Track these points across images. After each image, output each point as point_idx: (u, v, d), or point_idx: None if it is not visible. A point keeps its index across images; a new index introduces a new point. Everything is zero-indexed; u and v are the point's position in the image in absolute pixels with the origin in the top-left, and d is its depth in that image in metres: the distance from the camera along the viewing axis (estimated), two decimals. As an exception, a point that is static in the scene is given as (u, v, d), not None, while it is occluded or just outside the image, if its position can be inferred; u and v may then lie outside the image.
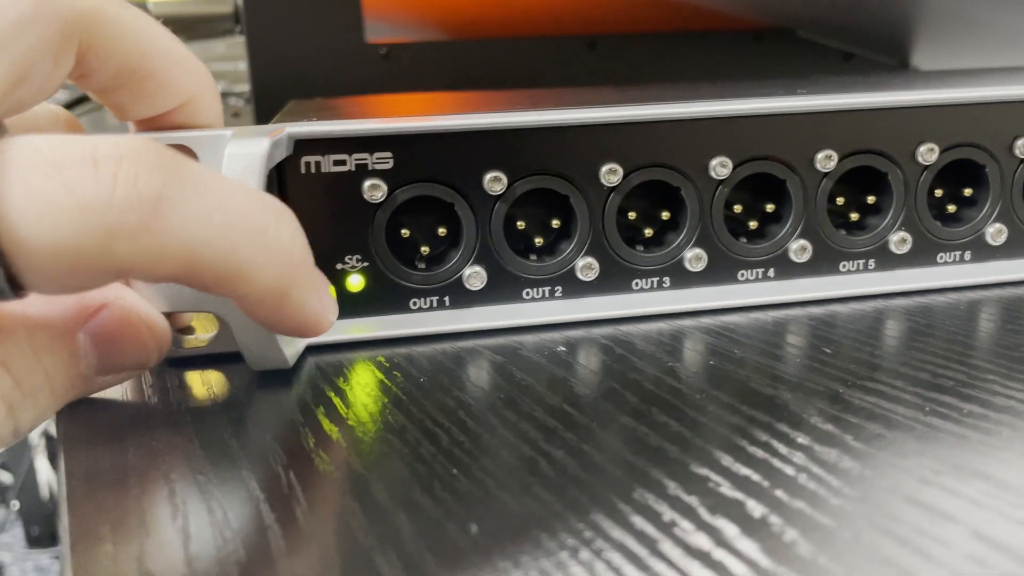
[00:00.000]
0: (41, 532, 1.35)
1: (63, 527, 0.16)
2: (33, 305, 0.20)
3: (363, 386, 0.23)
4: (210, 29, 0.65)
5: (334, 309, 0.22)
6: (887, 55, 0.76)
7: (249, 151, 0.22)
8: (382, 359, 0.25)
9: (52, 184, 0.15)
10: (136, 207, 0.16)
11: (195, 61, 0.23)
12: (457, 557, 0.15)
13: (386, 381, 0.23)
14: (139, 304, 0.22)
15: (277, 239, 0.19)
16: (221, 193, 0.18)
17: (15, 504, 1.32)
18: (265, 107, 0.58)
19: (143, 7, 0.60)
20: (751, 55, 0.72)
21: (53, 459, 1.35)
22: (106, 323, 0.21)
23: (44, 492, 1.34)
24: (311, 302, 0.21)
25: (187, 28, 0.64)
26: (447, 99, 0.44)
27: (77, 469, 0.18)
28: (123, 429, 0.21)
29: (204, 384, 0.23)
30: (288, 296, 0.20)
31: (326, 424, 0.20)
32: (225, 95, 0.69)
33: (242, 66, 0.63)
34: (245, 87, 0.63)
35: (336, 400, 0.22)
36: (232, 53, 0.69)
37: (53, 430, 1.13)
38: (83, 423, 0.21)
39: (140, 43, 0.21)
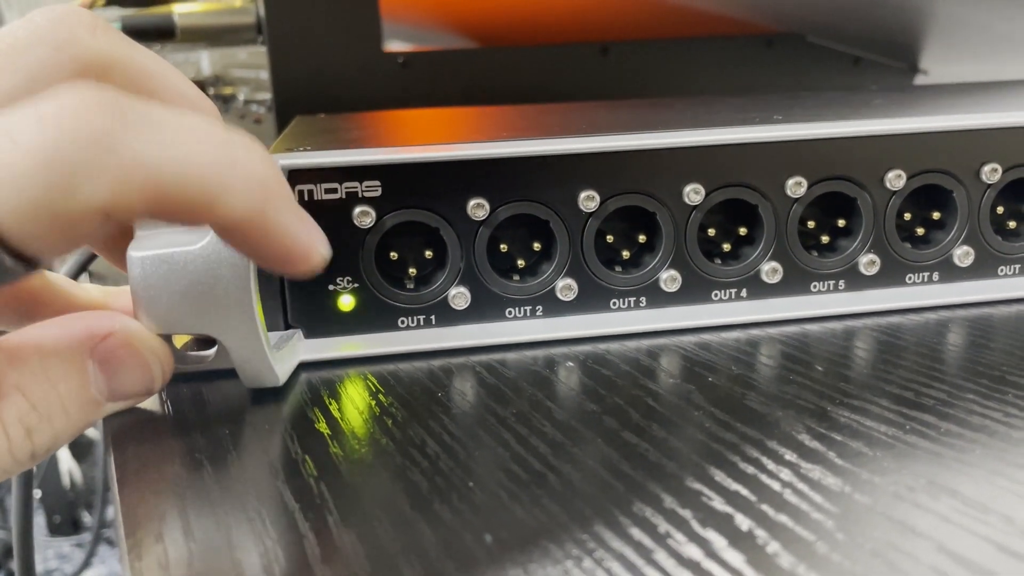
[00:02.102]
0: (62, 520, 1.38)
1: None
2: (44, 335, 0.21)
3: (359, 400, 0.24)
4: (233, 39, 0.67)
5: (324, 241, 0.21)
6: (896, 59, 0.76)
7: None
8: (372, 377, 0.26)
9: (3, 146, 0.16)
10: (87, 145, 0.17)
11: (200, 96, 0.24)
12: (474, 564, 0.16)
13: (381, 397, 0.25)
14: (141, 331, 0.23)
15: (246, 161, 0.19)
16: (178, 122, 0.18)
17: (37, 492, 1.35)
18: (285, 115, 0.60)
19: (168, 16, 0.62)
20: (762, 60, 0.73)
21: (74, 448, 1.38)
22: (112, 349, 0.22)
23: (66, 481, 1.37)
24: (296, 228, 0.21)
25: (211, 37, 0.66)
26: (450, 117, 0.45)
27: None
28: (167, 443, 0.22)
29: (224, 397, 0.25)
30: (268, 220, 0.20)
31: (352, 441, 0.22)
32: (247, 103, 0.71)
33: (264, 75, 0.64)
34: (267, 95, 0.65)
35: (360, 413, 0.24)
36: (254, 62, 0.71)
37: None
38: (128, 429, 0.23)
39: (149, 83, 0.23)
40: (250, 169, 0.19)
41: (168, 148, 0.18)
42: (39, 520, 1.41)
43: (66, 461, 1.39)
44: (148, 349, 0.23)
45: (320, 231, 0.22)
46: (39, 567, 1.35)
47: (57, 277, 0.27)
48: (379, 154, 0.27)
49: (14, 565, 0.58)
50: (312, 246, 0.21)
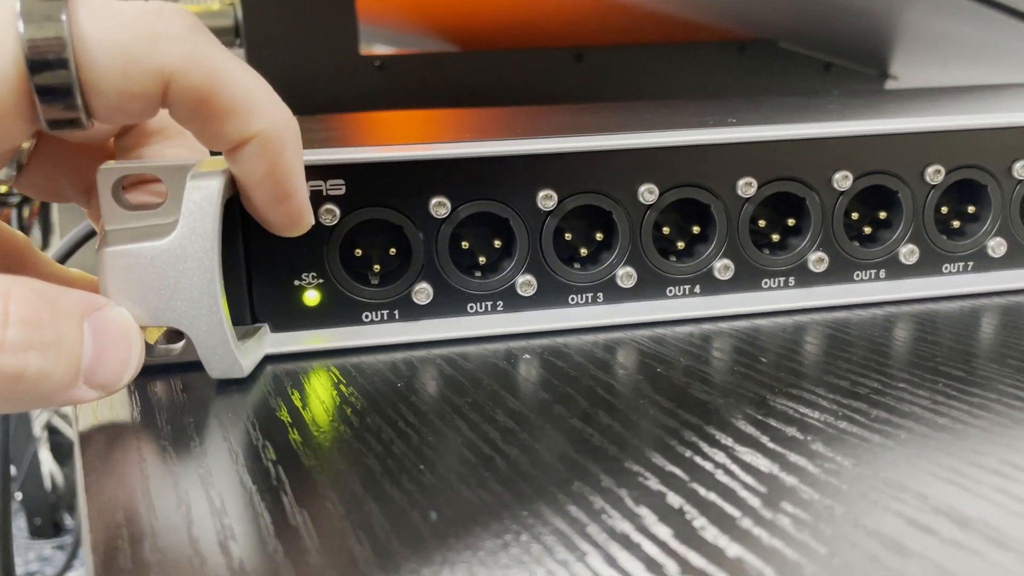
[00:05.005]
0: (43, 522, 1.38)
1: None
2: (44, 282, 0.21)
3: (323, 390, 0.25)
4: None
5: (312, 216, 0.26)
6: (867, 65, 0.78)
7: (207, 184, 0.25)
8: (335, 369, 0.27)
9: (112, 3, 0.21)
10: (180, 21, 0.21)
11: None
12: (418, 539, 0.17)
13: (343, 387, 0.26)
14: (128, 313, 0.24)
15: (284, 107, 0.24)
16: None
17: (18, 495, 1.35)
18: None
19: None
20: (735, 65, 0.74)
21: (55, 451, 1.38)
22: (106, 320, 0.22)
23: (47, 483, 1.37)
24: (303, 178, 0.25)
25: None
26: (420, 119, 0.46)
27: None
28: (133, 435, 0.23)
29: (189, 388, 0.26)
30: (287, 150, 0.24)
31: (312, 428, 0.23)
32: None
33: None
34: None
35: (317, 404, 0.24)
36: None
37: (56, 422, 1.15)
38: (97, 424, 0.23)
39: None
40: (287, 112, 0.24)
41: (233, 60, 0.23)
42: (20, 523, 1.41)
43: (47, 463, 1.39)
44: (134, 331, 0.23)
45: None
46: (20, 570, 1.35)
47: (40, 252, 0.28)
48: (343, 153, 0.28)
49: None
50: (308, 209, 0.26)
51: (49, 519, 1.40)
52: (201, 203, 0.25)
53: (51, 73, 0.20)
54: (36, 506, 1.39)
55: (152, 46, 0.21)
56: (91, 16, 0.20)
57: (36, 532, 1.39)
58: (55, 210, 0.97)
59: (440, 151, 0.28)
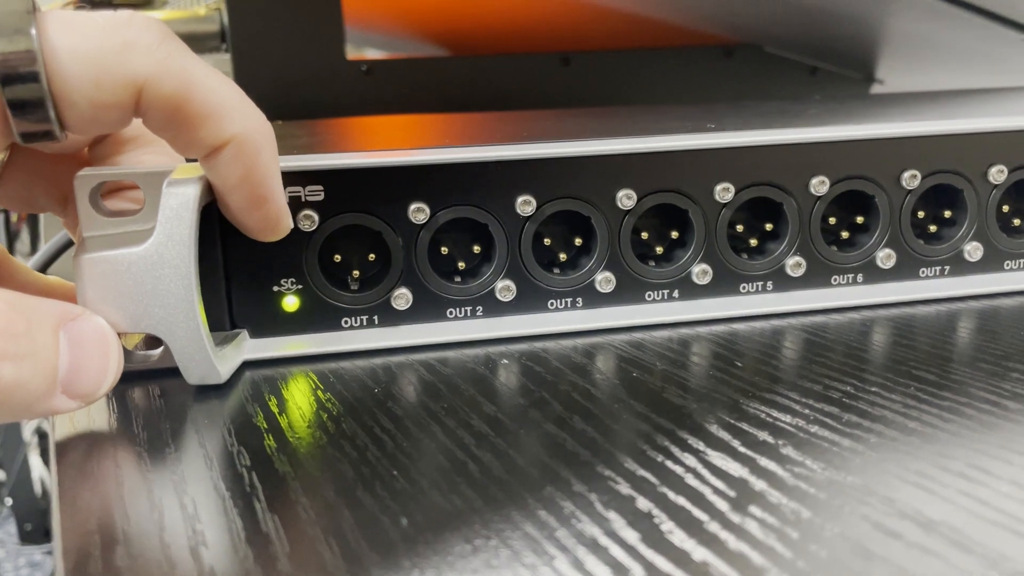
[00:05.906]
0: (34, 528, 1.38)
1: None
2: (18, 293, 0.21)
3: (303, 396, 0.26)
4: (197, 47, 0.68)
5: (290, 221, 0.27)
6: (852, 70, 0.78)
7: (184, 190, 0.25)
8: (313, 375, 0.27)
9: (82, 15, 0.21)
10: (150, 29, 0.22)
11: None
12: (388, 545, 0.17)
13: (320, 393, 0.26)
14: (105, 322, 0.24)
15: (258, 111, 0.24)
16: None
17: (8, 501, 1.35)
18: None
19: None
20: (721, 70, 0.74)
21: (46, 456, 1.38)
22: (82, 330, 0.22)
23: (37, 488, 1.37)
24: (279, 183, 0.25)
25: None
26: (404, 124, 0.47)
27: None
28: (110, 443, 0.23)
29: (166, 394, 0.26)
30: (262, 154, 0.24)
31: (288, 434, 0.23)
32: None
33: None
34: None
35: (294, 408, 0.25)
36: (218, 70, 0.72)
37: (47, 427, 1.15)
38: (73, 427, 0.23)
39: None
40: (260, 116, 0.24)
41: (205, 67, 0.23)
42: (10, 528, 1.41)
43: (38, 469, 1.39)
44: (112, 339, 0.24)
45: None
46: (10, 575, 1.34)
47: (17, 260, 0.28)
48: (321, 160, 0.28)
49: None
50: (286, 213, 0.26)
51: (40, 524, 1.39)
52: (178, 209, 0.25)
53: (22, 86, 0.20)
54: (26, 511, 1.38)
55: (123, 55, 0.21)
56: (61, 28, 0.21)
57: (26, 538, 1.38)
58: (41, 217, 0.97)
59: (418, 157, 0.28)
